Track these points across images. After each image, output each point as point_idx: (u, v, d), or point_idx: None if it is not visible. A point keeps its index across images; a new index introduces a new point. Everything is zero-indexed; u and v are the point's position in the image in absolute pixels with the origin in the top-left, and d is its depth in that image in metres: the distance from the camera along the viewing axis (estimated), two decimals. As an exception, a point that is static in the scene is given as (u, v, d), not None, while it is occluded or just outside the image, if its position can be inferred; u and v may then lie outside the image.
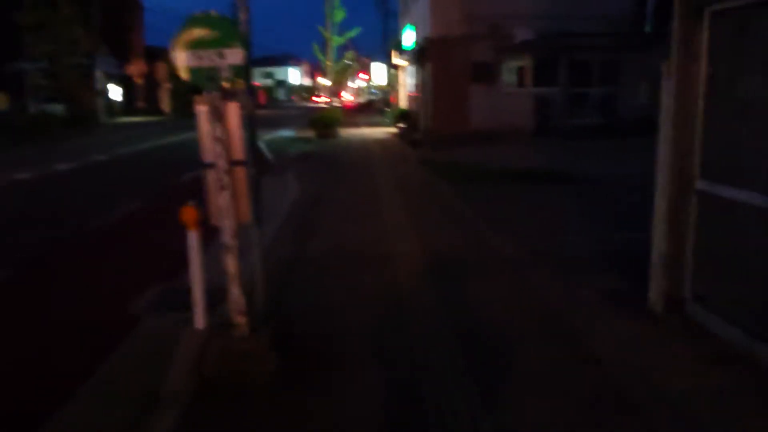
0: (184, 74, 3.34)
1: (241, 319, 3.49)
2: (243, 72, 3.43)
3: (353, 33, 26.77)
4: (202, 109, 3.33)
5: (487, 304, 4.61)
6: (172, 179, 11.63)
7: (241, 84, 3.54)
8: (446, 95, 17.91)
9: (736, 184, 3.60)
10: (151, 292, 5.19)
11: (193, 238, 3.76)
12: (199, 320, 3.86)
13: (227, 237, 3.41)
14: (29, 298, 5.32)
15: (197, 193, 3.68)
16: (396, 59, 27.71)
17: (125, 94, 38.85)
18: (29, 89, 28.40)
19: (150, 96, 42.32)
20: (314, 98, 45.25)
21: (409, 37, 21.63)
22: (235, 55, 3.30)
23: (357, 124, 28.19)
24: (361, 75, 60.59)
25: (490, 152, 14.38)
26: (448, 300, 4.70)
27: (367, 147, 18.32)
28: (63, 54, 27.11)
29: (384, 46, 33.61)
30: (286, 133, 24.38)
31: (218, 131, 3.29)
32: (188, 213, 3.67)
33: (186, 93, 31.04)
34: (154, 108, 41.68)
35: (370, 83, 60.71)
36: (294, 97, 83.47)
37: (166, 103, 42.14)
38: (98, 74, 32.25)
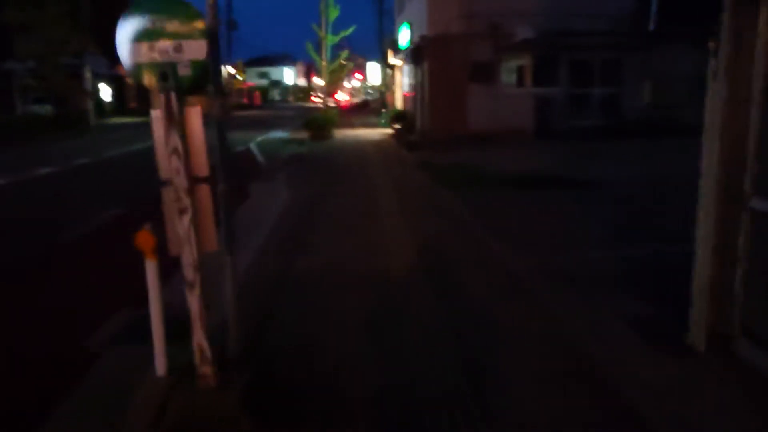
0: (128, 71, 2.72)
1: (206, 370, 2.88)
2: (207, 69, 2.82)
3: (348, 32, 26.06)
4: (156, 115, 2.72)
5: (499, 341, 3.99)
6: (160, 184, 10.93)
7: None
8: (444, 95, 17.32)
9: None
10: (119, 318, 4.56)
11: (152, 269, 3.12)
12: (160, 366, 3.22)
13: (188, 271, 2.80)
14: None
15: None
16: (391, 58, 27.08)
17: (117, 95, 38.05)
18: (18, 90, 27.72)
19: (142, 96, 41.48)
20: (312, 98, 44.49)
21: (405, 36, 21.00)
22: (196, 49, 2.69)
23: (352, 125, 27.57)
24: (356, 75, 60.01)
25: (490, 155, 13.78)
26: (455, 332, 4.08)
27: (362, 149, 17.68)
28: (51, 54, 26.39)
29: (379, 45, 32.94)
30: (280, 134, 23.77)
31: (175, 141, 2.68)
32: (144, 238, 3.04)
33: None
34: (146, 109, 40.73)
35: (366, 83, 60.13)
36: (290, 98, 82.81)
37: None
38: (88, 74, 31.50)
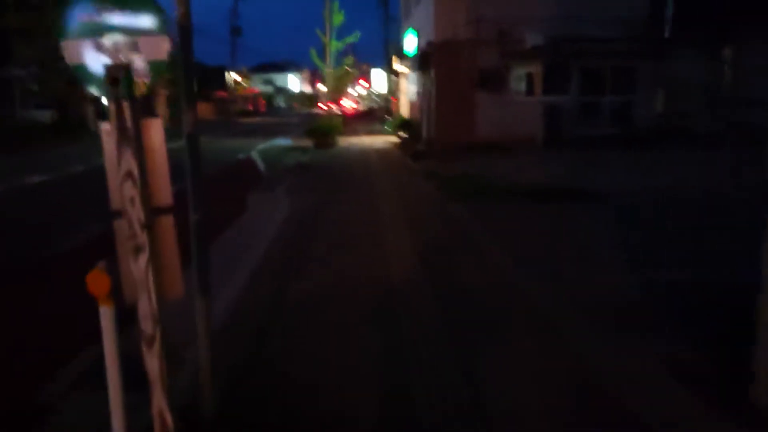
0: (79, 73, 2.18)
1: (168, 444, 2.32)
2: (171, 71, 2.27)
3: (353, 38, 25.54)
4: (105, 129, 2.17)
5: (519, 390, 3.40)
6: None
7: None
8: (451, 103, 16.80)
9: None
10: (83, 357, 3.99)
11: (107, 317, 2.54)
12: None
13: (146, 323, 2.23)
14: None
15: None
16: (397, 65, 26.58)
17: (118, 101, 37.64)
18: (18, 95, 27.37)
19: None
20: (320, 105, 43.81)
21: (411, 43, 20.49)
22: (154, 47, 2.14)
23: (357, 133, 27.07)
24: (360, 82, 59.61)
25: (500, 164, 13.22)
26: (467, 377, 3.50)
27: (366, 158, 17.11)
28: (51, 59, 26.01)
29: (384, 51, 32.48)
30: (283, 141, 23.28)
31: (128, 163, 2.12)
32: (96, 280, 2.47)
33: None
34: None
35: (371, 90, 59.70)
36: (295, 105, 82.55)
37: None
38: (89, 80, 31.10)
